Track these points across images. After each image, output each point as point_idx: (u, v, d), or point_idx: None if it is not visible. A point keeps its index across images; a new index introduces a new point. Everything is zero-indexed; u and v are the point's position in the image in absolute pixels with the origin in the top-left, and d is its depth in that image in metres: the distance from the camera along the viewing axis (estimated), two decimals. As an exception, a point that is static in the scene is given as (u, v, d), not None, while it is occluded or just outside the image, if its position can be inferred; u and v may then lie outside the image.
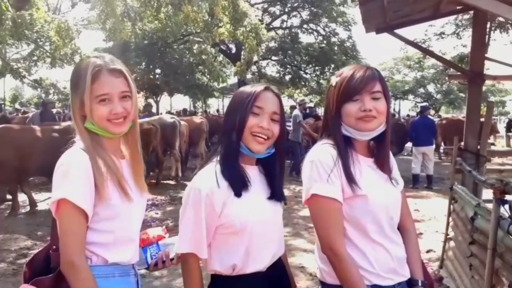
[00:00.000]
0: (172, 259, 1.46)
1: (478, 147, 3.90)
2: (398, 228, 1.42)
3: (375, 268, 1.30)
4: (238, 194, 1.27)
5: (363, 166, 1.35)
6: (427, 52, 5.92)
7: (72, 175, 1.23)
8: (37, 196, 6.54)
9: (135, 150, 1.43)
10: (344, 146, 1.33)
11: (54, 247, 1.30)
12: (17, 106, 27.40)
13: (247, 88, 1.35)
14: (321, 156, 1.31)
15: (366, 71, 1.32)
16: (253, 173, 1.35)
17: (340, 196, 1.28)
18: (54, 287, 1.23)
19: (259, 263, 1.31)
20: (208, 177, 1.28)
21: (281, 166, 1.41)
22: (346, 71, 1.36)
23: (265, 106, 1.30)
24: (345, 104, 1.32)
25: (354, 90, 1.30)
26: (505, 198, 2.15)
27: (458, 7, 4.29)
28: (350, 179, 1.29)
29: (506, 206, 2.12)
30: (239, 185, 1.28)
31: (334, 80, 1.37)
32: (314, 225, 1.34)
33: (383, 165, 1.39)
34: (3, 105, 21.45)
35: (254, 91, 1.30)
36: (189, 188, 1.30)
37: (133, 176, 1.40)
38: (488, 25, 4.14)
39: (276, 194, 1.37)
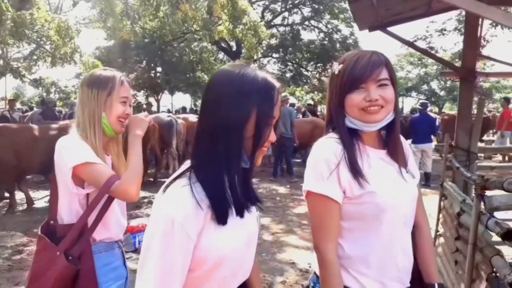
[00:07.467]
0: None
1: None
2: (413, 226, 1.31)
3: (379, 275, 1.20)
4: (224, 221, 0.94)
5: (373, 159, 1.21)
6: (418, 49, 5.90)
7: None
8: (34, 194, 6.58)
9: (121, 148, 1.63)
10: (350, 139, 1.19)
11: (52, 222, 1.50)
12: (17, 105, 27.48)
13: (257, 77, 0.98)
14: (322, 151, 1.19)
15: (371, 56, 1.19)
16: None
17: (338, 195, 1.16)
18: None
19: None
20: (183, 198, 0.92)
21: None
22: (349, 57, 1.21)
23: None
24: (349, 93, 1.18)
25: (358, 79, 1.16)
26: (486, 194, 2.17)
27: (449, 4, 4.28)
28: (357, 173, 1.15)
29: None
30: (239, 207, 0.99)
31: (336, 67, 1.23)
32: (310, 222, 1.25)
33: (397, 156, 1.24)
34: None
35: (273, 89, 0.99)
36: (157, 215, 0.93)
37: (115, 170, 1.56)
38: (490, 21, 4.11)
39: (253, 201, 1.07)
